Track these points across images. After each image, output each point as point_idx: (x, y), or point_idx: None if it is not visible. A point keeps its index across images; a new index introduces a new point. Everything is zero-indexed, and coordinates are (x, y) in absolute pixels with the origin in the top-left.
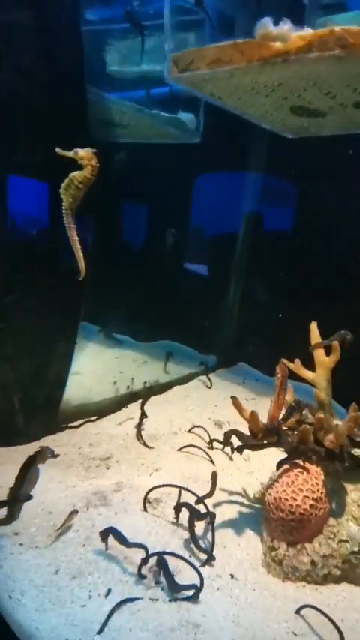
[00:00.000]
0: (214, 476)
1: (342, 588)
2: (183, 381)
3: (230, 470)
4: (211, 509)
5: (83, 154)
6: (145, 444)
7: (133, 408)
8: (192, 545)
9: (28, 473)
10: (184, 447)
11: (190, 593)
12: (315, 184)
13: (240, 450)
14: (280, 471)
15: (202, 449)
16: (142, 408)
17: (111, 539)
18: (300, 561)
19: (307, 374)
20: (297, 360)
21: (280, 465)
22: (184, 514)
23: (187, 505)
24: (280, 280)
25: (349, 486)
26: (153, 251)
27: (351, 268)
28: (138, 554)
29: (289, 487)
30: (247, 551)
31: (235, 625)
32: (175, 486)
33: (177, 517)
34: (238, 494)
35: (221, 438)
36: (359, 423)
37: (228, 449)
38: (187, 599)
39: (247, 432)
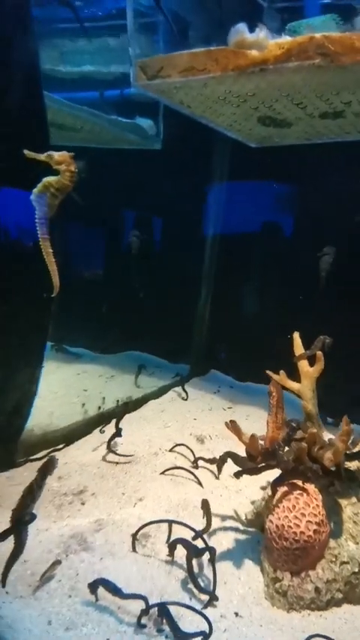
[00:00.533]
0: (207, 506)
1: (343, 610)
2: (157, 394)
3: (218, 490)
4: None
5: (59, 157)
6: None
7: (106, 430)
8: (190, 585)
9: (36, 487)
10: (168, 469)
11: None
12: (282, 190)
13: (238, 475)
14: (279, 494)
15: (187, 469)
16: (116, 426)
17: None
18: (304, 590)
19: (292, 385)
20: (282, 372)
21: (275, 485)
22: (179, 549)
23: (182, 541)
24: (249, 285)
25: (342, 502)
26: (113, 256)
27: (318, 272)
28: (132, 603)
29: (291, 512)
30: (249, 584)
31: None
32: (166, 521)
33: (172, 555)
34: (230, 517)
35: (204, 455)
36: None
37: (214, 466)
38: None
39: (234, 448)
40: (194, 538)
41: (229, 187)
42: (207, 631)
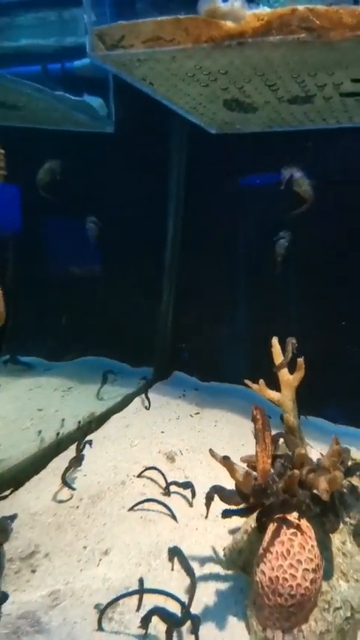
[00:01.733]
0: (193, 590)
1: None
2: (121, 405)
3: (194, 521)
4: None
5: None
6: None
7: (64, 462)
8: None
9: None
10: (138, 503)
11: None
12: (240, 181)
13: (225, 516)
14: (269, 534)
15: (158, 501)
16: (77, 452)
17: None
18: None
19: (272, 395)
20: (261, 381)
21: (264, 520)
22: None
23: (159, 611)
24: (210, 282)
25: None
26: (63, 254)
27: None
28: None
29: (285, 560)
30: None
31: None
32: (139, 592)
33: (145, 628)
34: (209, 559)
35: (175, 475)
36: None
37: (187, 491)
38: None
39: (206, 465)
40: (184, 614)
41: (188, 178)
42: None
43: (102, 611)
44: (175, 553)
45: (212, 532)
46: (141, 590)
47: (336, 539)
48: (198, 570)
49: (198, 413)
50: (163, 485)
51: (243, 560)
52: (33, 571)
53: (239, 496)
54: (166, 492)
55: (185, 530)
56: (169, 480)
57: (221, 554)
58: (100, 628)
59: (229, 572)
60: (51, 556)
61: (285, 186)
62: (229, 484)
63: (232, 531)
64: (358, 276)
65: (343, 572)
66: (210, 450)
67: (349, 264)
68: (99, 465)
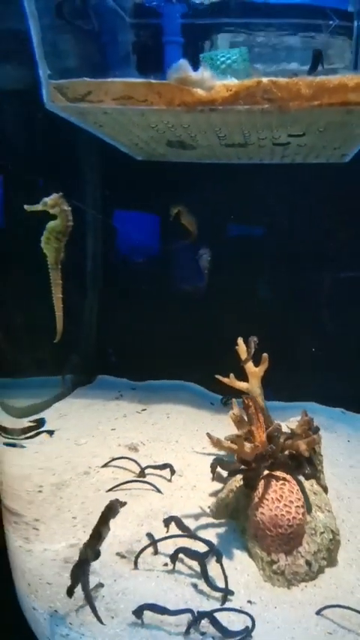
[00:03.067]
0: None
1: (329, 575)
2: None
3: (178, 492)
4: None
5: (51, 201)
6: None
7: None
8: (201, 587)
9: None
10: (119, 484)
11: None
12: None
13: (232, 475)
14: (262, 487)
15: (141, 480)
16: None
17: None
18: (298, 565)
19: (241, 385)
20: (231, 375)
21: (251, 479)
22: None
23: (185, 550)
24: (135, 285)
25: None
26: None
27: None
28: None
29: (280, 502)
30: (246, 572)
31: None
32: (180, 536)
33: (174, 565)
34: (200, 515)
35: (145, 461)
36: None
37: (164, 472)
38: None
39: (171, 450)
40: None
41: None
42: (250, 625)
43: (138, 554)
44: (169, 520)
45: (195, 497)
46: (182, 535)
47: (306, 483)
48: (194, 523)
49: (145, 409)
50: (133, 472)
51: (230, 510)
52: (35, 528)
53: (242, 463)
54: (142, 474)
55: (172, 499)
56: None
57: (208, 510)
58: (136, 567)
59: (220, 521)
60: (43, 522)
61: (173, 220)
62: (198, 464)
63: (212, 494)
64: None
65: (318, 505)
66: (207, 433)
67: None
68: (44, 463)
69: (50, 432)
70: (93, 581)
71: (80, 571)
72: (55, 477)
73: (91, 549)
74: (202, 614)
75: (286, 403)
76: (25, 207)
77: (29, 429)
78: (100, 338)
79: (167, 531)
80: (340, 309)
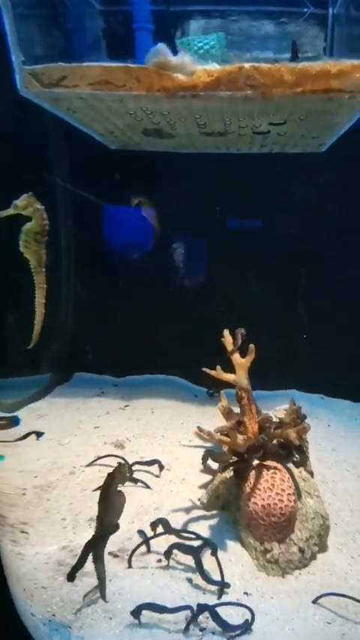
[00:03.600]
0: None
1: (321, 562)
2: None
3: (167, 486)
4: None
5: (22, 203)
6: None
7: None
8: (196, 582)
9: (109, 497)
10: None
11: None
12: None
13: (225, 468)
14: (253, 477)
15: (129, 478)
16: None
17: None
18: (292, 553)
19: (229, 376)
20: (218, 367)
21: (241, 469)
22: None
23: (179, 546)
24: (110, 283)
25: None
26: None
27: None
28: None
29: (272, 491)
30: (240, 562)
31: (297, 636)
32: (175, 532)
33: (168, 561)
34: (191, 508)
35: (131, 458)
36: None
37: (152, 468)
38: (241, 634)
39: (158, 445)
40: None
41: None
42: (249, 619)
43: (131, 553)
44: (157, 523)
45: (185, 490)
46: (164, 533)
47: (295, 471)
48: (185, 517)
49: (127, 405)
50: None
51: (222, 502)
52: (23, 532)
53: (234, 454)
54: (130, 471)
55: (162, 494)
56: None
57: (198, 503)
58: (130, 566)
59: (211, 512)
60: (31, 524)
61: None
62: (186, 457)
63: (201, 486)
64: None
65: (308, 492)
66: (198, 427)
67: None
68: (26, 466)
69: (38, 434)
70: (86, 583)
71: (90, 549)
72: (38, 479)
73: (104, 523)
74: (202, 609)
75: (268, 392)
76: None
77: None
78: (76, 334)
79: (154, 534)
80: (317, 298)
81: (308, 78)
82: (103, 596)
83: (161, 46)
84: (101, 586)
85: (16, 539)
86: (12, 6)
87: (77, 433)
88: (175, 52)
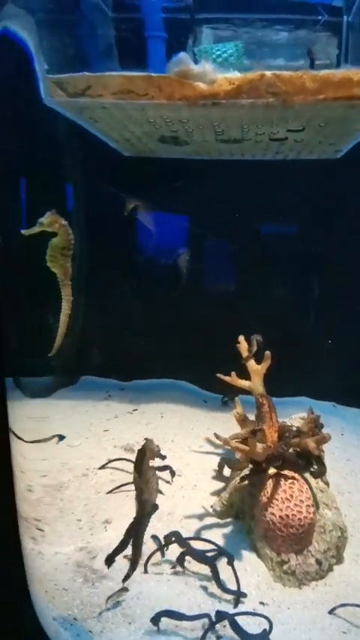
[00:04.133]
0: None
1: (338, 573)
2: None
3: (179, 492)
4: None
5: (47, 220)
6: None
7: None
8: (212, 590)
9: (143, 473)
10: (119, 486)
11: None
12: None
13: (244, 480)
14: (270, 486)
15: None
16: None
17: None
18: (309, 565)
19: (244, 383)
20: (233, 373)
21: (256, 478)
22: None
23: (192, 554)
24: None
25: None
26: None
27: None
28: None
29: (290, 502)
30: (256, 572)
31: None
32: (193, 538)
33: (182, 567)
34: (204, 516)
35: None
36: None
37: (163, 474)
38: None
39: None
40: (201, 555)
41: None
42: (267, 628)
43: (147, 558)
44: (170, 537)
45: (197, 497)
46: (192, 538)
47: (312, 482)
48: (198, 524)
49: (136, 409)
50: (131, 473)
51: (236, 510)
52: (39, 529)
53: (251, 463)
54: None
55: (174, 499)
56: None
57: (211, 510)
58: (145, 571)
59: (224, 521)
60: (46, 522)
61: (129, 216)
62: (197, 463)
63: (213, 493)
64: None
65: (325, 503)
66: (214, 433)
67: None
68: (37, 467)
69: (60, 437)
70: (106, 585)
71: (132, 533)
72: (48, 478)
73: (143, 503)
74: (221, 617)
75: (278, 398)
76: (23, 232)
77: None
78: (83, 338)
79: (167, 549)
80: (331, 305)
81: (330, 85)
82: (127, 578)
83: (183, 55)
84: (132, 568)
85: (34, 536)
86: (31, 12)
87: (88, 436)
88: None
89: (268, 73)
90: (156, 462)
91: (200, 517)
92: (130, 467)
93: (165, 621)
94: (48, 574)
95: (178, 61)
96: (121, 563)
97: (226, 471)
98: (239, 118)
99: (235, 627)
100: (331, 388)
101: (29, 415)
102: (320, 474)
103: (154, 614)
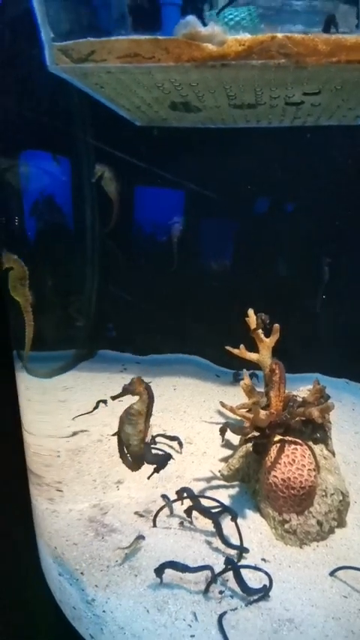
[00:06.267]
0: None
1: (339, 536)
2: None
3: (189, 457)
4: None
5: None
6: None
7: None
8: (215, 545)
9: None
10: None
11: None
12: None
13: (256, 450)
14: (274, 452)
15: (154, 448)
16: None
17: None
18: (310, 525)
19: (252, 356)
20: (242, 346)
21: (256, 444)
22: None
23: (199, 509)
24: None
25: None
26: None
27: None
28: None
29: (292, 465)
30: (259, 530)
31: (314, 607)
32: (201, 496)
33: (191, 521)
34: (211, 479)
35: (153, 431)
36: (323, 394)
37: (173, 444)
38: (259, 599)
39: (181, 420)
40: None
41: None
42: (267, 584)
43: (156, 513)
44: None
45: (206, 462)
46: (186, 497)
47: (316, 448)
48: (206, 485)
49: (150, 382)
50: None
51: (241, 475)
52: (59, 490)
53: (255, 429)
54: (153, 442)
55: (184, 464)
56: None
57: (218, 474)
58: (154, 525)
59: (231, 483)
60: (65, 483)
61: (96, 182)
62: (207, 433)
63: (222, 459)
64: None
65: (328, 469)
66: (220, 402)
67: None
68: (60, 431)
69: (104, 402)
70: (115, 539)
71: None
72: (70, 443)
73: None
74: (229, 563)
75: (291, 375)
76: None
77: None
78: (100, 312)
79: (182, 503)
80: (346, 281)
81: (343, 48)
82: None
83: (191, 18)
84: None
85: (52, 497)
86: None
87: (103, 405)
88: (205, 26)
89: (279, 35)
90: (168, 431)
91: (208, 479)
92: None
93: (170, 573)
94: (60, 530)
95: (185, 23)
96: (131, 517)
97: (235, 440)
98: (251, 80)
99: (239, 578)
100: (345, 365)
101: (57, 386)
102: (321, 440)
103: (158, 565)
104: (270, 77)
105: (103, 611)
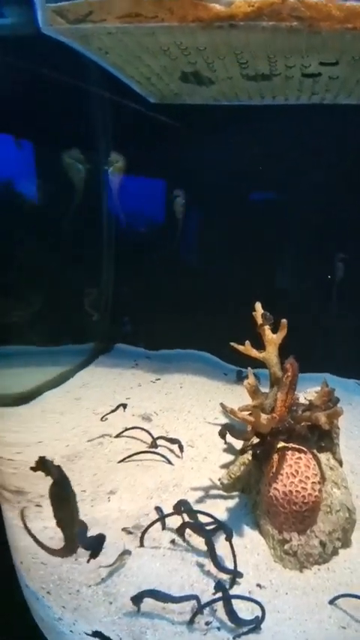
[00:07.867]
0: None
1: (343, 558)
2: (57, 382)
3: (188, 463)
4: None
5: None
6: None
7: None
8: (207, 568)
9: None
10: (130, 455)
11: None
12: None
13: (245, 451)
14: (276, 461)
15: (151, 452)
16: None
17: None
18: (312, 546)
19: (257, 353)
20: (247, 342)
21: (261, 453)
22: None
23: (192, 526)
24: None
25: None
26: None
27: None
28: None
29: (295, 477)
30: (256, 551)
31: None
32: (196, 511)
33: (183, 539)
34: (210, 488)
35: (156, 432)
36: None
37: (174, 446)
38: (250, 631)
39: (182, 420)
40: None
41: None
42: (259, 615)
43: (144, 530)
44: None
45: (206, 469)
46: (184, 510)
47: (322, 457)
48: (204, 495)
49: (159, 379)
50: (146, 442)
51: (242, 484)
52: (38, 505)
53: (256, 435)
54: (154, 446)
55: (182, 471)
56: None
57: (218, 483)
58: (141, 545)
59: (230, 494)
60: (47, 497)
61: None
62: (210, 435)
63: (222, 466)
64: None
65: (335, 481)
66: (221, 403)
67: None
68: (60, 434)
69: (124, 406)
70: (93, 560)
71: None
72: (69, 448)
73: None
74: (214, 599)
75: (300, 374)
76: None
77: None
78: (116, 306)
79: (183, 518)
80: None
81: (358, 15)
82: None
83: None
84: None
85: (27, 513)
86: None
87: (111, 403)
88: None
89: None
90: (170, 433)
91: (206, 489)
92: (145, 436)
93: (150, 602)
94: (28, 547)
95: None
96: (117, 535)
97: (238, 444)
98: (263, 45)
99: (229, 607)
100: (355, 366)
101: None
102: (327, 448)
103: (137, 594)
104: (283, 43)
105: (71, 631)
